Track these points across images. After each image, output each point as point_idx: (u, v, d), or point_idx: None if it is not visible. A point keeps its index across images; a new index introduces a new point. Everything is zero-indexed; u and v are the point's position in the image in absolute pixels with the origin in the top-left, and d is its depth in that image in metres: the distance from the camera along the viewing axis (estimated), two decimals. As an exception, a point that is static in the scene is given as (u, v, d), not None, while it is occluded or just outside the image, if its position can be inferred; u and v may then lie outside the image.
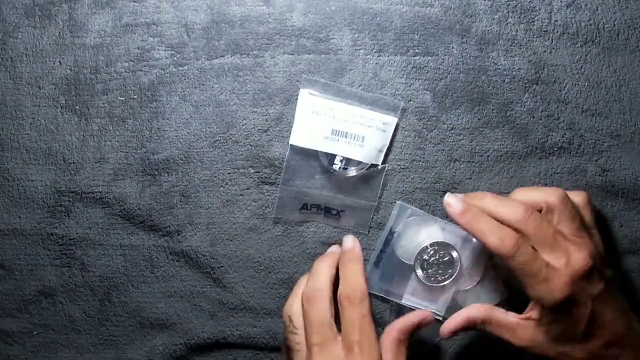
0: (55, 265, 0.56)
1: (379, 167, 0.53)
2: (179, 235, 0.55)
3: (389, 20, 0.54)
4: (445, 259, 0.52)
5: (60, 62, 0.56)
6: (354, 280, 0.48)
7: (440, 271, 0.52)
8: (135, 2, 0.55)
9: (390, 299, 0.54)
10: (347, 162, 0.53)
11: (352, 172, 0.53)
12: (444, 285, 0.52)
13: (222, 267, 0.55)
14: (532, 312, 0.46)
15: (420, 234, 0.53)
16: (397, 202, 0.53)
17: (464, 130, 0.54)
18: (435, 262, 0.52)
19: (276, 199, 0.54)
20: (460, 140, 0.54)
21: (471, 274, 0.53)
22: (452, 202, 0.47)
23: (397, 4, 0.54)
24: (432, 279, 0.52)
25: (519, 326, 0.47)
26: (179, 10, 0.55)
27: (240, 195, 0.55)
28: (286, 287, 0.55)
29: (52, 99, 0.56)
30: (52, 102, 0.56)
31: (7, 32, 0.56)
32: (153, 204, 0.55)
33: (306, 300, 0.48)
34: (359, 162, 0.53)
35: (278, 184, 0.54)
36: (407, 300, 0.54)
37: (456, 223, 0.47)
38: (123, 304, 0.56)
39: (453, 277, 0.52)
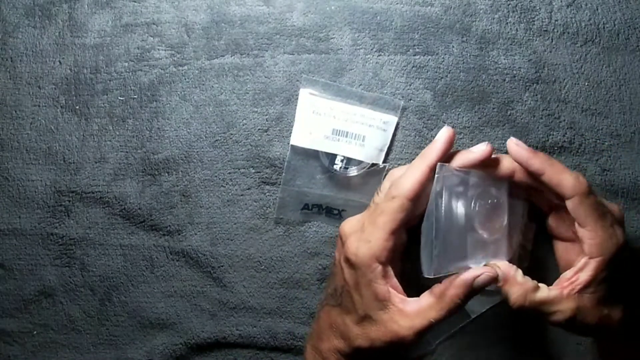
0: (55, 265, 0.56)
1: (380, 167, 0.53)
2: (179, 235, 0.55)
3: (389, 19, 0.54)
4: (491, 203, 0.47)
5: (60, 62, 0.56)
6: (403, 179, 0.45)
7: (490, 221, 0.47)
8: (135, 2, 0.55)
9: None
10: (348, 161, 0.53)
11: (353, 171, 0.53)
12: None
13: (222, 266, 0.55)
14: (581, 274, 0.44)
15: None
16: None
17: (464, 129, 0.54)
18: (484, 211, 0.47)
19: (277, 200, 0.54)
20: (461, 139, 0.54)
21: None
22: (521, 143, 0.45)
23: (397, 3, 0.54)
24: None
25: (561, 298, 0.44)
26: (179, 10, 0.55)
27: (241, 195, 0.55)
28: (286, 287, 0.55)
29: (52, 99, 0.56)
30: (52, 102, 0.56)
31: (7, 32, 0.56)
32: (153, 203, 0.55)
33: (392, 185, 0.45)
34: (360, 162, 0.53)
35: (279, 184, 0.54)
36: (475, 263, 0.46)
37: (521, 167, 0.44)
38: (123, 304, 0.56)
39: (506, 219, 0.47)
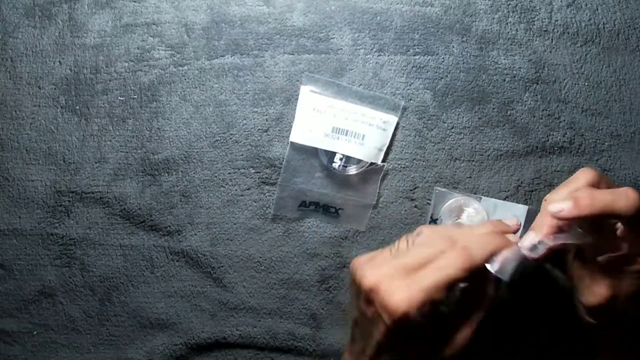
0: (55, 265, 0.56)
1: (379, 166, 0.53)
2: (179, 235, 0.55)
3: (389, 19, 0.54)
4: None
5: (60, 62, 0.56)
6: (482, 238, 0.42)
7: None
8: (135, 2, 0.55)
9: None
10: (347, 160, 0.53)
11: (352, 170, 0.53)
12: None
13: (222, 267, 0.55)
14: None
15: (463, 215, 0.52)
16: (435, 188, 0.51)
17: (464, 129, 0.54)
18: None
19: (275, 196, 0.54)
20: (461, 139, 0.54)
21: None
22: (559, 205, 0.41)
23: (397, 4, 0.54)
24: None
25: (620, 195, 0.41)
26: (179, 10, 0.55)
27: (241, 195, 0.55)
28: (286, 287, 0.55)
29: (52, 99, 0.56)
30: (52, 102, 0.56)
31: (7, 32, 0.56)
32: (153, 203, 0.55)
33: (461, 249, 0.41)
34: (359, 161, 0.53)
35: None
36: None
37: (572, 223, 0.42)
38: (123, 304, 0.56)
39: None
